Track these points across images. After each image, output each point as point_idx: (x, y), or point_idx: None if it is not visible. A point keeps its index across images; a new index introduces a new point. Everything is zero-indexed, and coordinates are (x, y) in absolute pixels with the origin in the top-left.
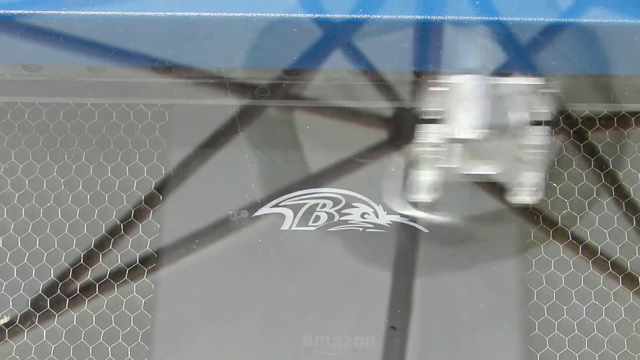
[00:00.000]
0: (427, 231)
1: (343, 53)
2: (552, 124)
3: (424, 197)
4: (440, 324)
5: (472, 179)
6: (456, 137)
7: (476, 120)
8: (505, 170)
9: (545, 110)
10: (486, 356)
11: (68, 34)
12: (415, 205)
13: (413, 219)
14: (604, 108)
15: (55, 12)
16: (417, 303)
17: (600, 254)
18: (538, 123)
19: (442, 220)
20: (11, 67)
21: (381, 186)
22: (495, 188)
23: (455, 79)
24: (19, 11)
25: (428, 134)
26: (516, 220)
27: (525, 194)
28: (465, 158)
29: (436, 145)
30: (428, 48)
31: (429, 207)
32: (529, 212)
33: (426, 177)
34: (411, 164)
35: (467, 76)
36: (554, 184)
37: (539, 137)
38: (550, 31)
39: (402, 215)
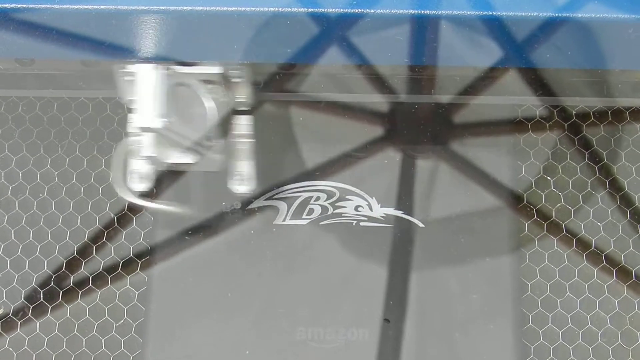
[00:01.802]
0: (422, 225)
1: (338, 47)
2: (250, 113)
3: (140, 186)
4: (434, 316)
5: (169, 167)
6: (142, 125)
7: (157, 108)
8: (199, 159)
9: (244, 99)
10: (480, 349)
11: (61, 28)
12: (141, 194)
13: (141, 207)
14: (598, 102)
15: (49, 6)
16: (411, 296)
17: (595, 247)
18: (240, 112)
19: (168, 209)
20: (4, 61)
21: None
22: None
23: (138, 67)
24: (12, 5)
25: (130, 124)
26: (510, 214)
27: (236, 183)
28: (160, 147)
29: (135, 134)
30: (423, 42)
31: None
32: (523, 206)
33: (137, 166)
34: (127, 154)
35: (149, 65)
36: (549, 178)
37: (241, 126)
38: (545, 26)
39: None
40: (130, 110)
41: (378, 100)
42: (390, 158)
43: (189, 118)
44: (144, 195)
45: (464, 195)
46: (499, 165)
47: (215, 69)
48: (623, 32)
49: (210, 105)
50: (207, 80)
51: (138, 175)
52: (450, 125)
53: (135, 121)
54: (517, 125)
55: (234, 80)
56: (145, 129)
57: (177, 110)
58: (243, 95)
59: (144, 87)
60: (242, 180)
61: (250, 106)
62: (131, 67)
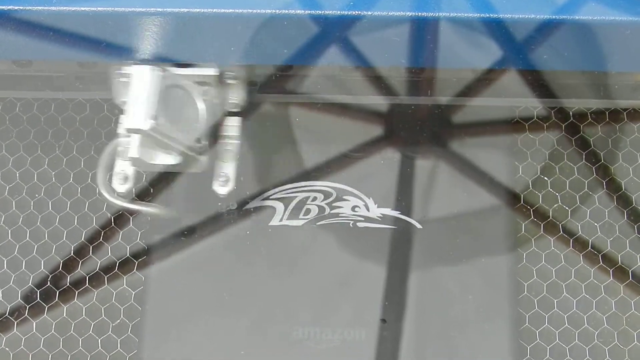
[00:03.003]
0: (419, 225)
1: (336, 49)
2: (241, 114)
3: (123, 187)
4: (431, 316)
5: (153, 168)
6: (130, 127)
7: (148, 110)
8: (183, 160)
9: (236, 101)
10: (476, 349)
11: (58, 30)
12: (125, 195)
13: (129, 211)
14: (596, 103)
15: (46, 7)
16: (408, 296)
17: (591, 247)
18: (231, 114)
19: (151, 210)
20: (2, 62)
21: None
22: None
23: (132, 69)
24: (9, 7)
25: (119, 125)
26: (507, 214)
27: (216, 184)
28: (146, 148)
29: (124, 136)
30: (421, 44)
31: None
32: (520, 206)
33: (120, 168)
34: (114, 155)
35: (143, 67)
36: (546, 178)
37: (230, 127)
38: (543, 28)
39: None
40: (122, 112)
41: (376, 101)
42: (388, 158)
43: (179, 119)
44: (129, 196)
45: (461, 195)
46: (496, 165)
47: (210, 71)
48: (621, 34)
49: (202, 107)
50: (201, 82)
51: (122, 176)
52: (448, 126)
53: (124, 122)
54: (515, 125)
55: (228, 81)
56: (134, 130)
57: (169, 111)
58: (235, 96)
59: (136, 88)
60: (226, 182)
61: (241, 108)
62: (126, 69)
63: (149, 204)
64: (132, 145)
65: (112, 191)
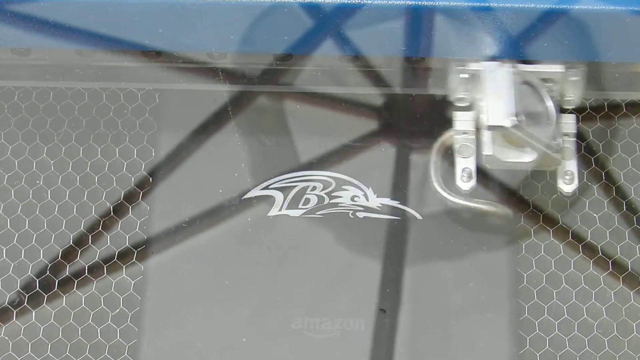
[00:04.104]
0: (418, 215)
1: (334, 39)
2: (576, 112)
3: (464, 185)
4: (430, 307)
5: (506, 166)
6: (490, 124)
7: (510, 107)
8: (539, 158)
9: (573, 98)
10: (475, 339)
11: (58, 18)
12: (456, 193)
13: (455, 208)
14: (594, 94)
15: None
16: (407, 286)
17: (590, 238)
18: (566, 111)
19: (485, 209)
20: (0, 50)
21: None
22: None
23: (482, 65)
24: None
25: (461, 122)
26: (507, 205)
27: (561, 182)
28: (499, 146)
29: (468, 133)
30: (419, 33)
31: (468, 195)
32: (519, 197)
33: (463, 165)
34: (447, 152)
35: (494, 63)
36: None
37: (569, 125)
38: (541, 18)
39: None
40: (460, 109)
41: (375, 92)
42: (387, 148)
43: (533, 117)
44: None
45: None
46: None
47: (558, 68)
48: (619, 24)
49: (550, 104)
50: (547, 79)
51: (467, 174)
52: (446, 116)
53: (482, 119)
54: None
55: (571, 78)
56: (495, 128)
57: (523, 108)
58: (573, 94)
59: (493, 85)
60: (571, 180)
61: (576, 105)
62: (471, 64)
63: (488, 202)
64: (485, 143)
65: (447, 189)
